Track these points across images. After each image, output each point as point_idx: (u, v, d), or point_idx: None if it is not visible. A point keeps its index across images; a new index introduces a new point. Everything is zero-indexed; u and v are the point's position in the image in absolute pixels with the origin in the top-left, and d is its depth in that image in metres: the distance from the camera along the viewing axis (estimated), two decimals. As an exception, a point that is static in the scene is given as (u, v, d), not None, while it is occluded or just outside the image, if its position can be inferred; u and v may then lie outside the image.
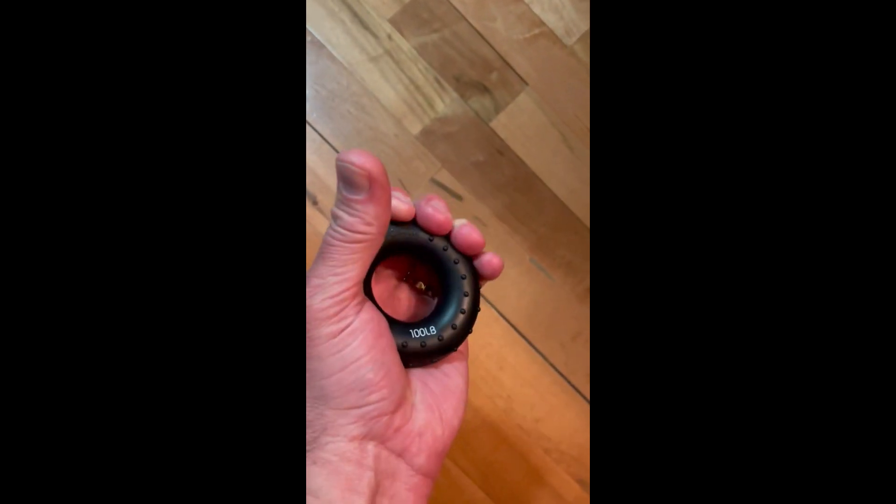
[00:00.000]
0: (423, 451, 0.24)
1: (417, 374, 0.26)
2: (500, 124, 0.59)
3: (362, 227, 0.23)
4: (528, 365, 0.61)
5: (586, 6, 0.61)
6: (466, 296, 0.26)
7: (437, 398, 0.26)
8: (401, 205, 0.26)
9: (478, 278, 0.27)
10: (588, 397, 0.63)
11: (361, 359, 0.23)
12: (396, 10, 0.58)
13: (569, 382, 0.63)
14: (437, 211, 0.26)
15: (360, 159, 0.22)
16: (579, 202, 0.61)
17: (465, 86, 0.58)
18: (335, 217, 0.23)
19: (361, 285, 0.24)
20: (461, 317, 0.26)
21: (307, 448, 0.22)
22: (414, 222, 0.26)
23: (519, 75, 0.59)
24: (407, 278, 0.29)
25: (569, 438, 0.64)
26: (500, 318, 0.59)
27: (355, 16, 0.58)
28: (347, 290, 0.23)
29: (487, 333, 0.59)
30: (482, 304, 0.61)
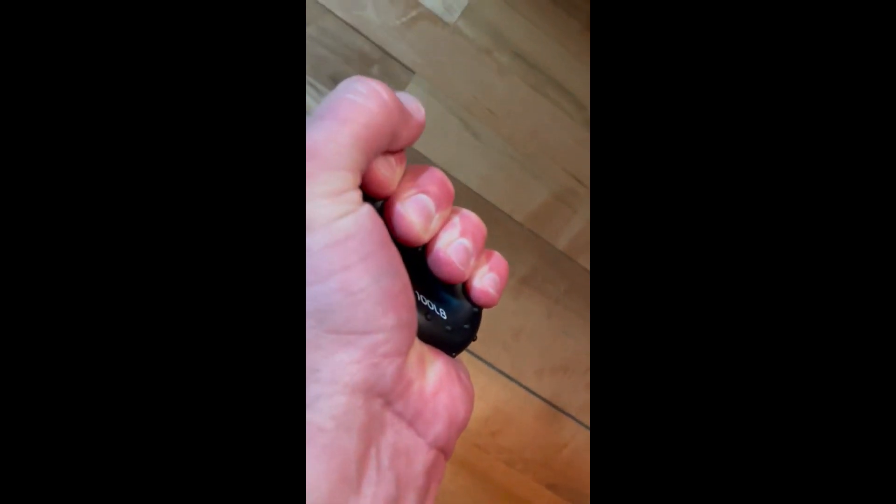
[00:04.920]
0: (439, 417, 0.18)
1: None
2: (393, 121, 0.53)
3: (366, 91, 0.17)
4: (473, 377, 0.56)
5: (462, -21, 0.56)
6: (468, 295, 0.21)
7: (446, 358, 0.20)
8: (388, 172, 0.19)
9: None
10: (541, 395, 0.60)
11: (373, 256, 0.16)
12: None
13: (520, 384, 0.59)
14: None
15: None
16: (494, 190, 0.56)
17: (345, 84, 0.52)
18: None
19: (359, 178, 0.17)
20: (473, 310, 0.20)
21: None
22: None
23: (403, 64, 0.53)
24: None
25: (531, 444, 0.60)
26: (433, 334, 0.54)
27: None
28: (348, 168, 0.16)
29: (422, 353, 0.53)
30: None
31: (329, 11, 0.51)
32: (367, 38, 0.52)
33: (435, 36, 0.54)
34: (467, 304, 0.20)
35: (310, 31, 0.50)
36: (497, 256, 0.21)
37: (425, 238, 0.19)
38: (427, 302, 0.20)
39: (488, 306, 0.21)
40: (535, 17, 0.57)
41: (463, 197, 0.55)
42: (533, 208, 0.58)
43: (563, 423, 0.61)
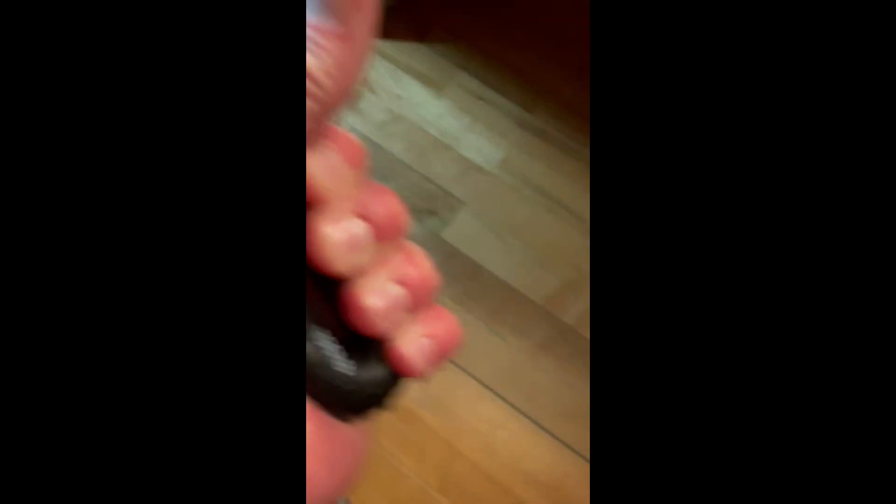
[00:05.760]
0: None
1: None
2: (449, 234, 0.79)
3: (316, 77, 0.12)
4: (499, 417, 0.77)
5: (501, 142, 0.83)
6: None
7: (326, 436, 0.15)
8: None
9: None
10: (552, 433, 0.80)
11: None
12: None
13: (536, 424, 0.79)
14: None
15: None
16: (518, 279, 0.80)
17: (419, 213, 0.78)
18: None
19: None
20: (389, 375, 0.16)
21: None
22: None
23: (457, 198, 0.80)
24: None
25: (545, 469, 0.79)
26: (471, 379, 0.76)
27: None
28: None
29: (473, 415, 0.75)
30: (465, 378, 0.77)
31: (412, 169, 0.79)
32: (435, 183, 0.79)
33: (479, 179, 0.81)
34: (384, 367, 0.16)
35: (398, 182, 0.78)
36: (446, 319, 0.16)
37: (344, 271, 0.14)
38: (337, 347, 0.15)
39: (409, 377, 0.16)
40: (550, 162, 0.83)
41: (493, 284, 0.79)
42: (547, 293, 0.80)
43: (568, 457, 0.80)
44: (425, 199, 0.79)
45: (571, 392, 0.80)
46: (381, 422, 0.75)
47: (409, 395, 0.73)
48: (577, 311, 0.82)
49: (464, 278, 0.78)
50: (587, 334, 0.82)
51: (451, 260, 0.78)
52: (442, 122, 0.83)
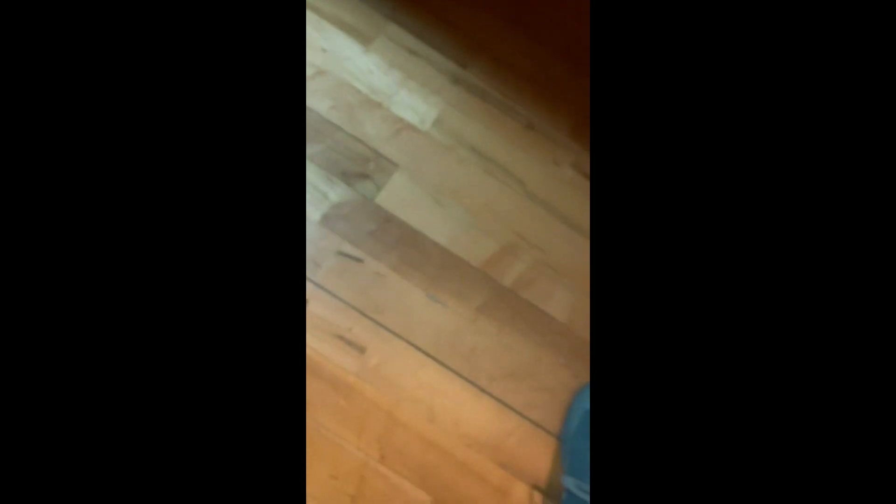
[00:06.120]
0: None
1: None
2: (384, 199, 0.75)
3: None
4: (441, 381, 0.76)
5: (435, 100, 0.79)
6: None
7: None
8: None
9: None
10: (493, 394, 0.80)
11: None
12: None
13: (476, 386, 0.79)
14: None
15: None
16: (457, 244, 0.78)
17: (351, 177, 0.74)
18: None
19: None
20: None
21: None
22: None
23: (391, 161, 0.76)
24: None
25: (485, 431, 0.79)
26: (410, 347, 0.75)
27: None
28: None
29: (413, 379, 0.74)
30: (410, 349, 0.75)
31: (340, 129, 0.73)
32: (366, 144, 0.75)
33: (413, 139, 0.77)
34: None
35: (327, 143, 0.73)
36: None
37: None
38: None
39: None
40: (486, 121, 0.80)
41: (430, 249, 0.77)
42: (486, 257, 0.79)
43: (510, 417, 0.80)
44: (357, 161, 0.75)
45: (511, 353, 0.80)
46: (320, 399, 0.72)
47: (348, 369, 0.71)
48: (516, 273, 0.81)
49: (401, 245, 0.75)
50: (526, 296, 0.81)
51: (387, 226, 0.74)
52: (371, 78, 0.78)
